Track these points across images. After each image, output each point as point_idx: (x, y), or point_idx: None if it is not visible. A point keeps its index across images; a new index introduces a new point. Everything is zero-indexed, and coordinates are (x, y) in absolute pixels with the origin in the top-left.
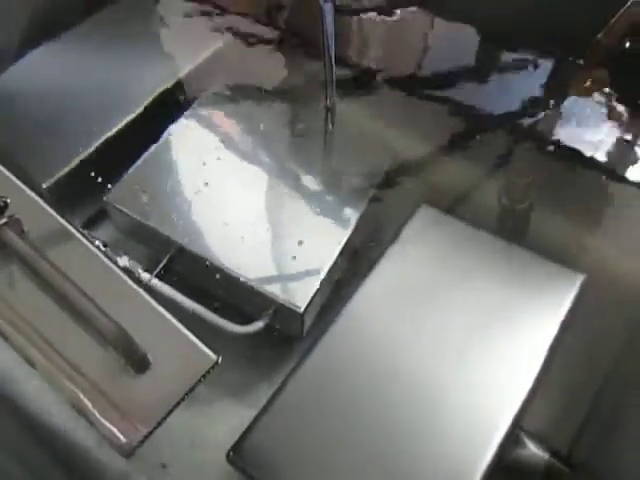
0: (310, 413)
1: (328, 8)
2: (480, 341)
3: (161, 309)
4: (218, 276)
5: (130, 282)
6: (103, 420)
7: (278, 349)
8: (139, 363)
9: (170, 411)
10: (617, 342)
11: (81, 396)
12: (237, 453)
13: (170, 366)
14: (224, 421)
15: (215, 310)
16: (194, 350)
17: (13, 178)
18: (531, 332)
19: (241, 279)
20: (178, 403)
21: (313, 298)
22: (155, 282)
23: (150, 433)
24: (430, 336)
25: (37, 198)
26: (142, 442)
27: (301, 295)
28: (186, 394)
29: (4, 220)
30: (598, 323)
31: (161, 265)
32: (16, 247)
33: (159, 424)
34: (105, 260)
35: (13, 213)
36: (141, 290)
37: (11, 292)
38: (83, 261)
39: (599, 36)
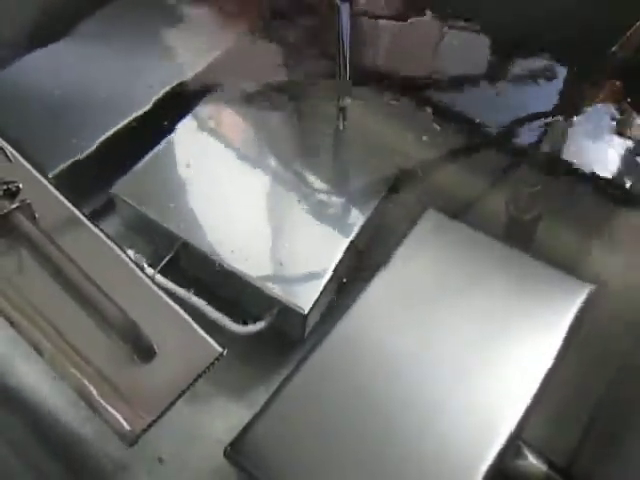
0: (309, 413)
1: (345, 8)
2: (483, 348)
3: (168, 299)
4: (222, 274)
5: (139, 272)
6: (108, 407)
7: (279, 350)
8: (145, 352)
9: (174, 401)
10: (620, 353)
11: (86, 383)
12: (235, 449)
13: (175, 356)
14: (222, 418)
15: (218, 308)
16: (200, 341)
17: (26, 164)
18: (536, 341)
19: (245, 278)
20: (182, 393)
21: (317, 300)
22: (158, 277)
23: (154, 422)
24: (432, 342)
25: (49, 185)
26: (145, 430)
27: (305, 297)
28: (190, 385)
29: (16, 204)
30: (602, 334)
31: (165, 260)
32: (27, 232)
33: (163, 413)
34: (115, 249)
35: (25, 198)
36: (149, 280)
37: (20, 277)
38: (93, 249)
39: (614, 48)
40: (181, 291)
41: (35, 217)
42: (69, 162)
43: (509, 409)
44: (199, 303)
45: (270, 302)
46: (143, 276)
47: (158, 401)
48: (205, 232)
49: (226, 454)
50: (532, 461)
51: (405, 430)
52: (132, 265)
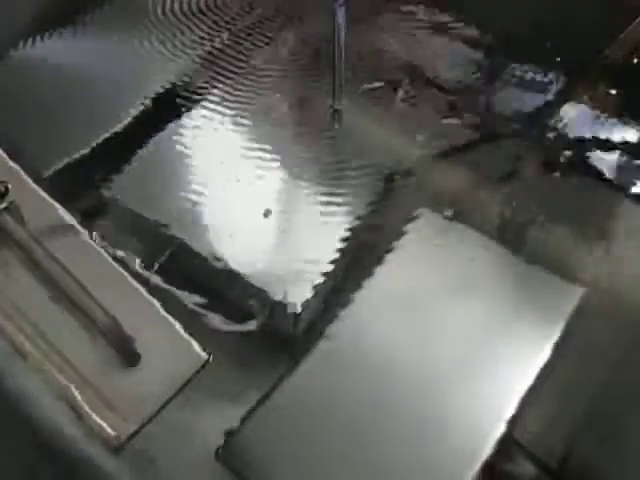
0: (302, 414)
1: (340, 11)
2: (476, 350)
3: (156, 304)
4: (215, 273)
5: (126, 275)
6: (93, 414)
7: (273, 350)
8: (131, 357)
9: (160, 408)
10: (614, 357)
11: (72, 389)
12: (226, 451)
13: (161, 362)
14: (215, 419)
15: (211, 307)
16: (185, 348)
17: (15, 165)
18: (528, 343)
19: (238, 276)
20: (168, 401)
21: (310, 299)
22: (151, 276)
23: (139, 429)
24: (425, 343)
25: (37, 187)
26: (131, 437)
27: (298, 295)
28: (176, 393)
29: (4, 205)
30: (595, 336)
31: (160, 260)
32: (14, 233)
33: (149, 421)
34: (102, 252)
35: (13, 199)
36: (137, 284)
37: (6, 279)
38: (80, 252)
39: (606, 52)
40: (174, 290)
41: (23, 219)
42: (63, 162)
43: (501, 410)
44: (192, 302)
45: (263, 300)
46: (131, 280)
47: (144, 408)
48: (199, 231)
49: (218, 455)
50: (523, 463)
51: (398, 432)
52: (119, 269)
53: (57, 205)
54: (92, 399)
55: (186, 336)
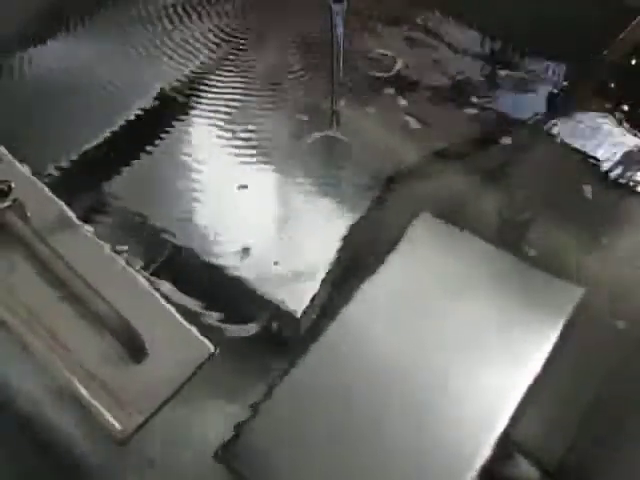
0: (302, 414)
1: (338, 9)
2: (473, 352)
3: (160, 299)
4: (216, 275)
5: (130, 271)
6: (99, 407)
7: (273, 352)
8: (138, 352)
9: (166, 400)
10: (614, 357)
11: (77, 383)
12: (226, 452)
13: (167, 355)
14: (215, 421)
15: (211, 310)
16: (191, 340)
17: (17, 163)
18: (527, 345)
19: (238, 278)
20: (175, 393)
21: (311, 301)
22: (151, 277)
23: (146, 421)
24: (423, 346)
25: (41, 184)
26: (137, 430)
27: (298, 298)
28: (183, 384)
29: (7, 203)
30: (593, 336)
31: (159, 261)
32: (18, 231)
33: (155, 413)
34: (107, 249)
35: (17, 197)
36: (141, 279)
37: (11, 276)
38: (85, 249)
39: (605, 52)
40: (174, 293)
41: (27, 216)
42: (62, 162)
43: (499, 412)
44: (192, 304)
45: (263, 303)
46: (135, 276)
47: (150, 401)
48: (199, 233)
49: (217, 456)
50: (523, 466)
51: (397, 432)
52: (124, 265)
53: (61, 203)
54: (99, 393)
55: (191, 328)
